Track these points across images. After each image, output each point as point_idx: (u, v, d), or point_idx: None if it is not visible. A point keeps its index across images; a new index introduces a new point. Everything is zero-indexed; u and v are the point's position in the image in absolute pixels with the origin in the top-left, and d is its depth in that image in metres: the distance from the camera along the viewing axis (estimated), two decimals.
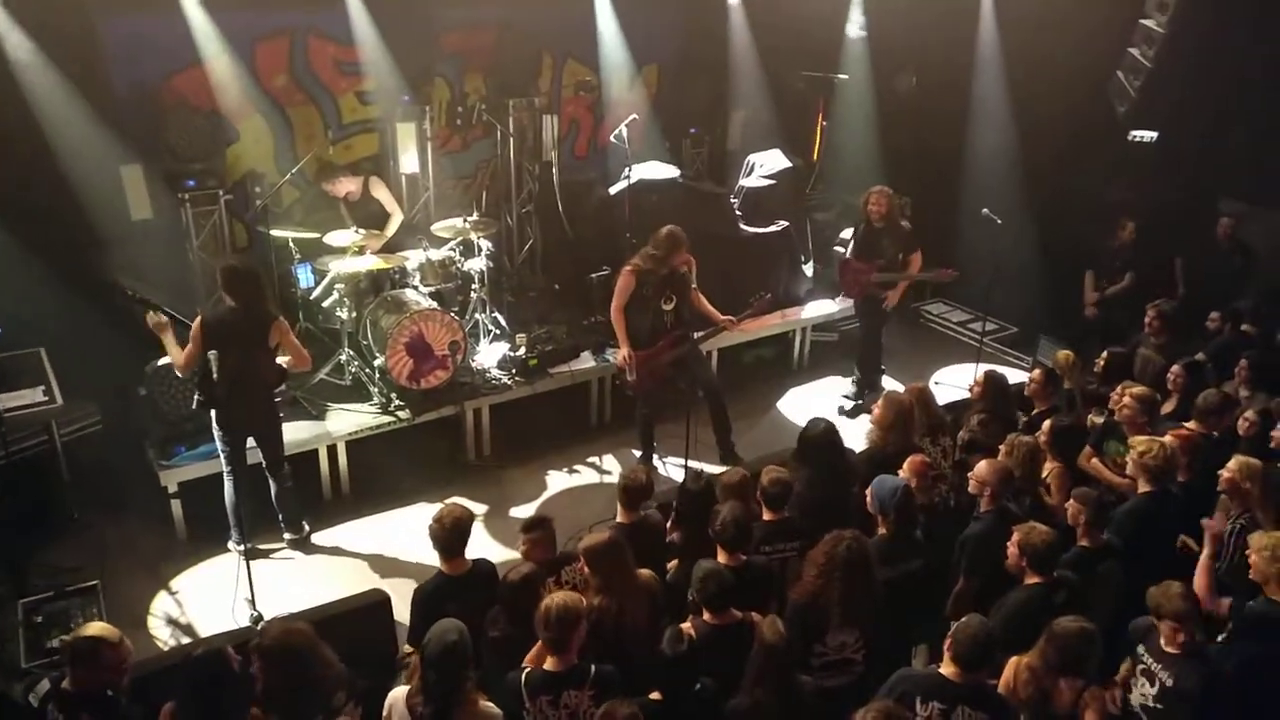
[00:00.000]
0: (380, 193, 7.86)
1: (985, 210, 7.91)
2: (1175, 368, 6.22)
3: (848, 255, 8.10)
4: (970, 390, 6.35)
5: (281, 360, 5.88)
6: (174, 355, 5.61)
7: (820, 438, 5.23)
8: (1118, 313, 8.32)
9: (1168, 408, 6.02)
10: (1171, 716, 3.88)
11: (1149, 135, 8.54)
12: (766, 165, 9.06)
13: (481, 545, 4.47)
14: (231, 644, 3.79)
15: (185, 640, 5.25)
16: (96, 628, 3.74)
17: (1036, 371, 6.30)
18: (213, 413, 5.63)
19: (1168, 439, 4.99)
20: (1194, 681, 3.84)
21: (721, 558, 4.29)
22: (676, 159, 9.43)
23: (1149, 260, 8.35)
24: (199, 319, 5.59)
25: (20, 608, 5.42)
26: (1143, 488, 4.87)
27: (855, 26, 9.63)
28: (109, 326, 6.55)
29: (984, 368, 6.64)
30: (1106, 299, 8.44)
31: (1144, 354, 6.91)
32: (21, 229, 6.35)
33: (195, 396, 5.64)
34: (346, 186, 7.73)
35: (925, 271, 7.93)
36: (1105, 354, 6.54)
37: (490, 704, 3.65)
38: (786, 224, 8.75)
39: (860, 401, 8.08)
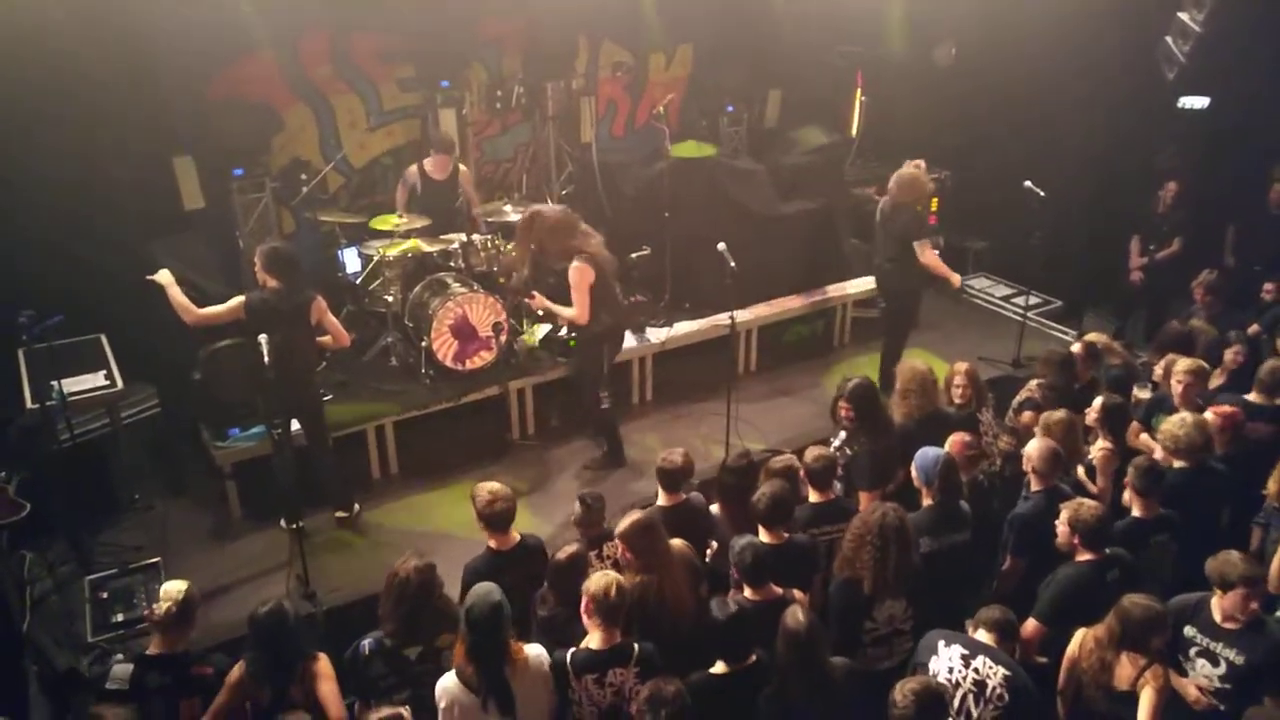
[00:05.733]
0: (465, 179, 8.00)
1: (1027, 183, 7.82)
2: (1235, 348, 6.14)
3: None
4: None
5: (322, 339, 6.03)
6: (180, 304, 5.68)
7: (859, 390, 5.30)
8: (1164, 279, 8.20)
9: (1215, 381, 5.96)
10: (1246, 694, 3.79)
11: (1200, 102, 8.35)
12: (805, 141, 9.01)
13: (525, 524, 4.55)
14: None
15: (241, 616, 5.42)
16: (180, 586, 3.98)
17: (1077, 345, 6.26)
18: (260, 395, 5.79)
19: (1208, 415, 4.94)
20: (1262, 654, 3.78)
21: (764, 536, 4.34)
22: (714, 136, 9.40)
23: (1198, 227, 8.20)
24: (243, 297, 5.73)
25: (87, 585, 5.66)
26: (1177, 463, 4.84)
27: None
28: (164, 312, 6.72)
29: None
30: (1154, 264, 8.30)
31: (1196, 325, 6.84)
32: (81, 220, 6.52)
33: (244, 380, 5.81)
34: (446, 166, 7.78)
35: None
36: (1159, 328, 6.46)
37: (533, 645, 3.80)
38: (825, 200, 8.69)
39: None
